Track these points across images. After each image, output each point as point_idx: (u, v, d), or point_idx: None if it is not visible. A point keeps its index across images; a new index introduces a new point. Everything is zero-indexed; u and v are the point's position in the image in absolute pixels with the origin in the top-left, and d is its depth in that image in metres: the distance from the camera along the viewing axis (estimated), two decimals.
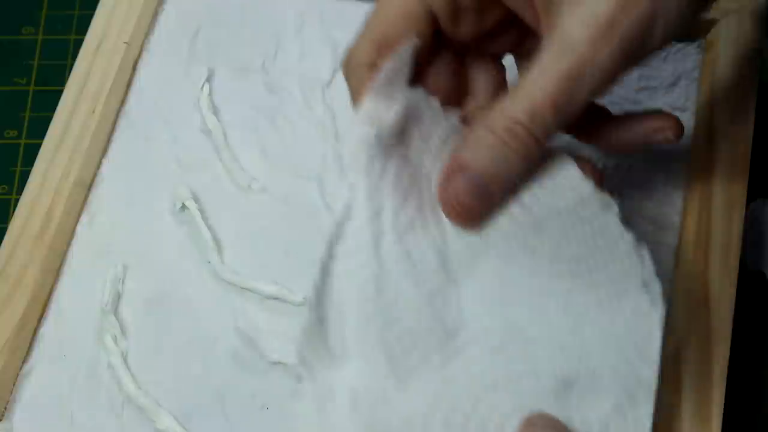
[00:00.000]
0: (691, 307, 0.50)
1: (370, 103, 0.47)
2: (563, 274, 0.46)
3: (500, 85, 0.50)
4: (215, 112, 0.58)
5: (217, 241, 0.54)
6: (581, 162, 0.48)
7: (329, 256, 0.46)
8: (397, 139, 0.47)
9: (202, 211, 0.55)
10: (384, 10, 0.47)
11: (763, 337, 0.55)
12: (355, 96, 0.47)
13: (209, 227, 0.54)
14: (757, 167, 0.55)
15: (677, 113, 0.54)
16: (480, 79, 0.50)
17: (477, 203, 0.46)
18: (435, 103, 0.47)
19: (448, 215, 0.47)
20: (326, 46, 0.59)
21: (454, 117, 0.48)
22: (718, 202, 0.52)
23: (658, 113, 0.48)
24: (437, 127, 0.48)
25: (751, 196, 0.55)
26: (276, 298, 0.52)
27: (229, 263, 0.53)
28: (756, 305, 0.55)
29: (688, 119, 0.55)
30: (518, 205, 0.47)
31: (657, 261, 0.51)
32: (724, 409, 0.48)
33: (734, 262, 0.51)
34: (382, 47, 0.46)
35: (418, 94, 0.47)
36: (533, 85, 0.44)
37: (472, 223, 0.47)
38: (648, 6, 0.43)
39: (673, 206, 0.53)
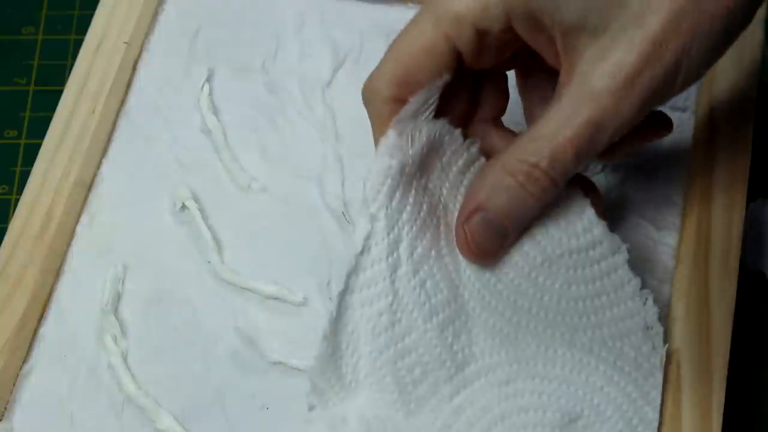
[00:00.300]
0: (691, 307, 0.50)
1: (393, 135, 0.48)
2: (571, 311, 0.48)
3: (503, 95, 0.50)
4: (215, 112, 0.58)
5: (217, 241, 0.54)
6: (591, 193, 0.49)
7: (347, 288, 0.48)
8: (418, 169, 0.48)
9: (202, 211, 0.55)
10: (407, 43, 0.47)
11: (763, 338, 0.55)
12: (375, 127, 0.48)
13: (209, 227, 0.54)
14: (757, 167, 0.55)
15: (677, 113, 0.55)
16: (486, 91, 0.50)
17: (492, 244, 0.48)
18: (456, 133, 0.48)
19: (462, 253, 0.48)
20: (326, 46, 0.59)
21: (474, 147, 0.49)
22: (718, 203, 0.52)
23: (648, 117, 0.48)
24: (458, 157, 0.49)
25: (751, 196, 0.55)
26: (276, 298, 0.52)
27: (229, 263, 0.53)
28: (756, 305, 0.55)
29: (688, 119, 0.55)
30: (531, 242, 0.48)
31: (657, 261, 0.52)
32: (725, 410, 0.48)
33: (734, 263, 0.51)
34: (404, 82, 0.47)
35: (441, 125, 0.48)
36: (554, 130, 0.45)
37: (486, 262, 0.48)
38: (672, 59, 0.44)
39: (673, 206, 0.53)
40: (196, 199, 0.55)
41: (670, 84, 0.44)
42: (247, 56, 0.60)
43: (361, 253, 0.47)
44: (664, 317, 0.50)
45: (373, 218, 0.48)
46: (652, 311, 0.48)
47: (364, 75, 0.58)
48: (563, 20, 0.44)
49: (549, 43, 0.45)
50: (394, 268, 0.48)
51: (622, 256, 0.48)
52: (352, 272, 0.48)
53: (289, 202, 0.55)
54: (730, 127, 0.54)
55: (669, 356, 0.49)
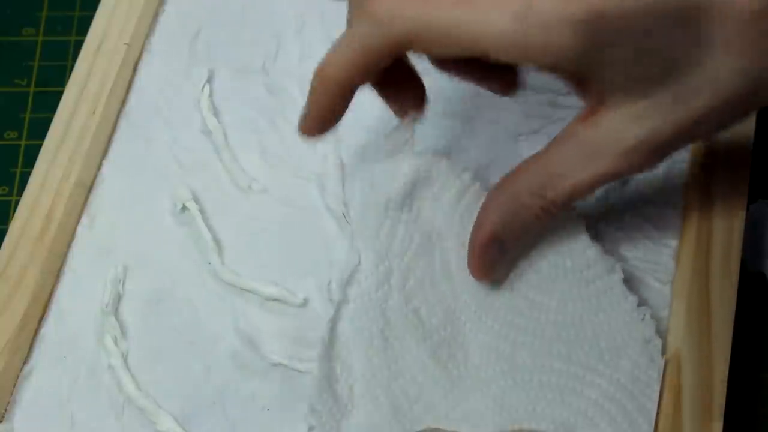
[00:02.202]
0: (691, 308, 0.50)
1: (378, 170, 0.50)
2: (567, 328, 0.49)
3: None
4: (216, 113, 0.58)
5: (217, 242, 0.54)
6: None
7: (338, 315, 0.50)
8: (405, 203, 0.50)
9: (202, 211, 0.55)
10: (367, 31, 0.46)
11: (764, 339, 0.55)
12: (318, 109, 0.47)
13: (209, 228, 0.54)
14: (758, 168, 0.55)
15: None
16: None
17: (499, 263, 0.49)
18: (443, 164, 0.49)
19: (475, 275, 0.50)
20: (327, 47, 0.59)
21: (466, 173, 0.51)
22: (718, 204, 0.52)
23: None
24: (450, 186, 0.51)
25: (752, 198, 0.55)
26: (276, 299, 0.52)
27: (230, 264, 0.53)
28: (756, 306, 0.55)
29: None
30: (527, 263, 0.50)
31: (657, 262, 0.52)
32: (725, 412, 0.48)
33: (735, 264, 0.51)
34: (363, 72, 0.46)
35: (426, 158, 0.50)
36: (572, 169, 0.46)
37: (488, 277, 0.50)
38: (705, 133, 0.46)
39: (673, 207, 0.53)
40: (197, 200, 0.55)
41: (685, 146, 0.47)
42: (248, 57, 0.60)
43: (350, 284, 0.50)
44: (665, 318, 0.50)
45: (360, 252, 0.50)
46: (650, 325, 0.49)
47: None
48: (607, 80, 0.44)
49: (578, 82, 0.45)
50: (384, 299, 0.50)
51: (617, 276, 0.50)
52: (342, 302, 0.50)
53: (289, 203, 0.55)
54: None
55: (670, 358, 0.49)
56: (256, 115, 0.58)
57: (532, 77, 0.54)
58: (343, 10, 0.57)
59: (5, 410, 0.50)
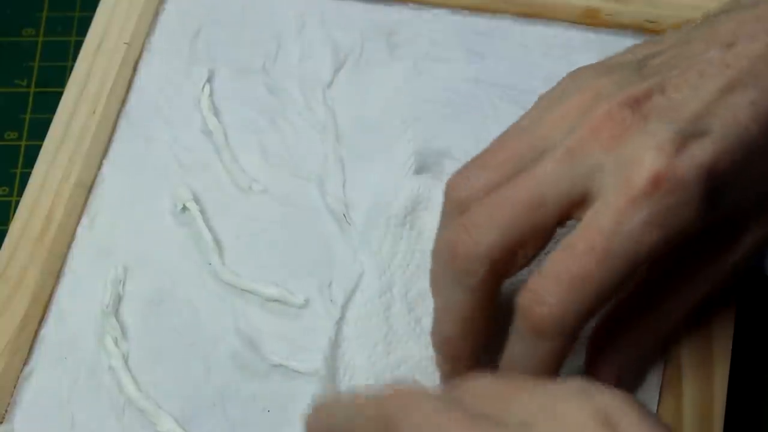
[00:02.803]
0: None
1: (380, 189, 0.52)
2: None
3: None
4: (216, 112, 0.58)
5: (217, 242, 0.54)
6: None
7: (342, 319, 0.50)
8: (407, 220, 0.52)
9: (202, 212, 0.55)
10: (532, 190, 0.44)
11: (764, 337, 0.54)
12: (471, 313, 0.45)
13: (210, 228, 0.54)
14: None
15: None
16: None
17: None
18: (442, 185, 0.49)
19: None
20: (327, 47, 0.59)
21: None
22: None
23: None
24: None
25: None
26: (277, 300, 0.52)
27: (230, 265, 0.53)
28: (757, 306, 0.55)
29: None
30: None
31: None
32: (726, 411, 0.48)
33: None
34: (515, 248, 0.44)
35: (425, 180, 0.52)
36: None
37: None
38: None
39: None
40: (197, 200, 0.55)
41: None
42: (248, 57, 0.60)
43: (353, 292, 0.50)
44: None
45: (363, 264, 0.51)
46: None
47: (365, 75, 0.58)
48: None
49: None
50: (387, 306, 0.50)
51: None
52: (346, 307, 0.50)
53: (289, 204, 0.55)
54: None
55: (670, 359, 0.49)
56: (256, 115, 0.58)
57: (532, 78, 0.54)
58: (342, 9, 0.57)
59: (5, 411, 0.50)
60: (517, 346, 0.43)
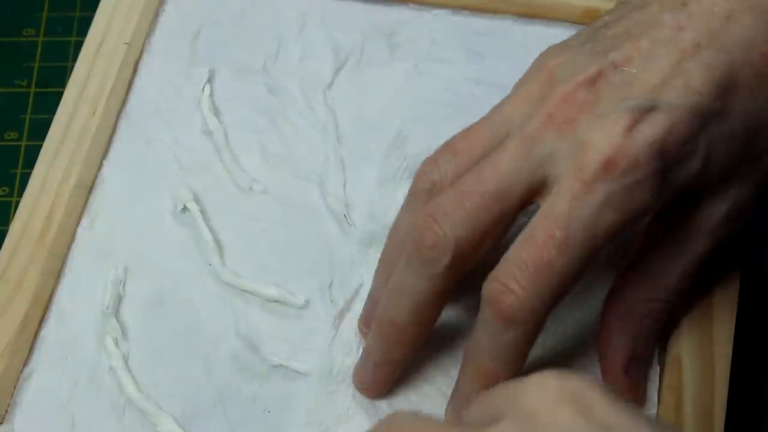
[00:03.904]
0: (693, 309, 0.50)
1: (376, 197, 0.52)
2: (568, 336, 0.50)
3: None
4: (216, 113, 0.58)
5: (218, 242, 0.54)
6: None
7: (339, 321, 0.51)
8: None
9: (203, 212, 0.55)
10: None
11: (764, 337, 0.54)
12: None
13: (210, 229, 0.54)
14: None
15: None
16: None
17: (640, 376, 0.50)
18: None
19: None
20: (327, 47, 0.59)
21: None
22: None
23: None
24: None
25: None
26: (277, 301, 0.52)
27: (230, 265, 0.53)
28: (757, 306, 0.55)
29: None
30: None
31: None
32: (727, 410, 0.48)
33: (736, 263, 0.51)
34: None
35: None
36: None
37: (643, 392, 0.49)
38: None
39: None
40: (197, 201, 0.55)
41: None
42: (248, 57, 0.59)
43: (353, 300, 0.51)
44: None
45: (363, 276, 0.51)
46: None
47: (366, 76, 0.58)
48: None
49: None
50: None
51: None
52: (343, 315, 0.51)
53: (290, 204, 0.55)
54: None
55: (671, 359, 0.49)
56: (256, 116, 0.58)
57: None
58: (343, 9, 0.57)
59: (5, 412, 0.50)
60: (483, 335, 0.44)
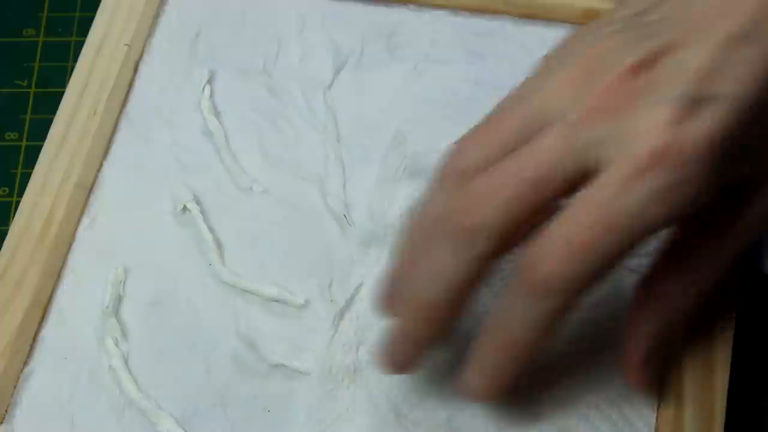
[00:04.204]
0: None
1: (375, 197, 0.52)
2: (569, 340, 0.50)
3: None
4: (216, 113, 0.58)
5: (218, 243, 0.54)
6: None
7: (339, 321, 0.51)
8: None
9: (203, 212, 0.55)
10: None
11: (764, 337, 0.54)
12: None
13: (210, 229, 0.54)
14: None
15: None
16: None
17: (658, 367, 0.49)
18: None
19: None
20: (327, 48, 0.59)
21: None
22: None
23: None
24: None
25: None
26: (277, 301, 0.52)
27: (231, 265, 0.53)
28: (758, 306, 0.55)
29: None
30: None
31: None
32: (727, 412, 0.48)
33: (737, 263, 0.51)
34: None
35: (421, 185, 0.50)
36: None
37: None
38: None
39: None
40: (198, 201, 0.55)
41: None
42: (249, 58, 0.60)
43: (353, 300, 0.51)
44: None
45: (362, 277, 0.51)
46: None
47: (366, 76, 0.58)
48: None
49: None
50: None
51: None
52: (345, 309, 0.51)
53: (290, 204, 0.55)
54: None
55: (671, 358, 0.49)
56: (257, 116, 0.58)
57: None
58: (343, 11, 0.57)
59: (5, 412, 0.50)
60: (511, 305, 0.43)
